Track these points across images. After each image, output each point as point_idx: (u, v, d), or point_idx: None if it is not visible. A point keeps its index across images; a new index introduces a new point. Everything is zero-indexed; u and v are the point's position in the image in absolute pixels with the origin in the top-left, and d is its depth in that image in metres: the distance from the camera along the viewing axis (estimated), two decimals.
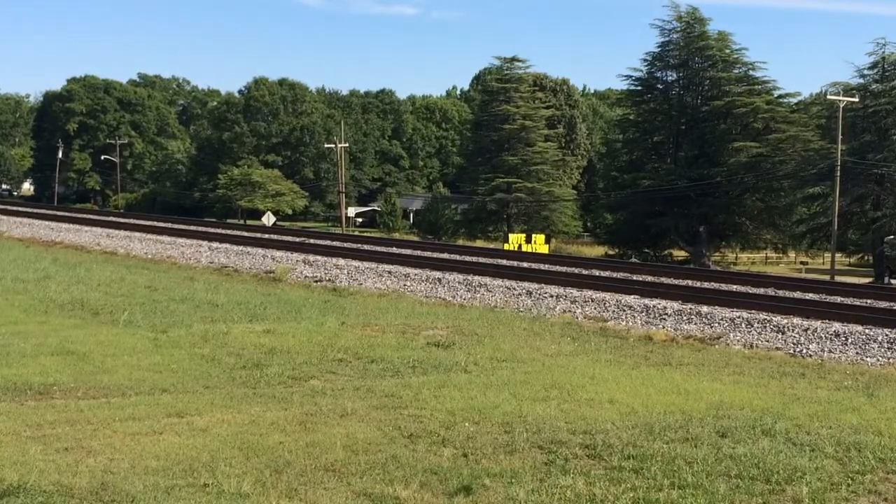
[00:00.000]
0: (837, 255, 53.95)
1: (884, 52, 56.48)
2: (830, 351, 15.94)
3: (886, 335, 16.35)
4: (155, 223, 39.79)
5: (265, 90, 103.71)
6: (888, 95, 55.73)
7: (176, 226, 38.96)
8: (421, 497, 7.68)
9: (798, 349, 16.11)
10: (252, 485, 7.85)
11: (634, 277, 24.66)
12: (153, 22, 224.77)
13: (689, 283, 23.79)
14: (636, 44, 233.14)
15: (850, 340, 16.33)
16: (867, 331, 16.71)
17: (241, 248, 30.33)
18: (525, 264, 27.20)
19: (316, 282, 24.18)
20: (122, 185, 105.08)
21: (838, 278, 43.99)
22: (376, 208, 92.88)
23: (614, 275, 25.26)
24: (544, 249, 50.25)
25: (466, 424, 9.95)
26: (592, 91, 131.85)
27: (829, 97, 56.24)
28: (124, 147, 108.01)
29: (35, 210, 45.19)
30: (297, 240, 34.46)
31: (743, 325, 17.64)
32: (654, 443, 9.29)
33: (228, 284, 23.12)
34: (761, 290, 22.52)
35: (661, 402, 11.25)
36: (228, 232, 37.08)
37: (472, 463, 8.64)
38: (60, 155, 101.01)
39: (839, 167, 48.93)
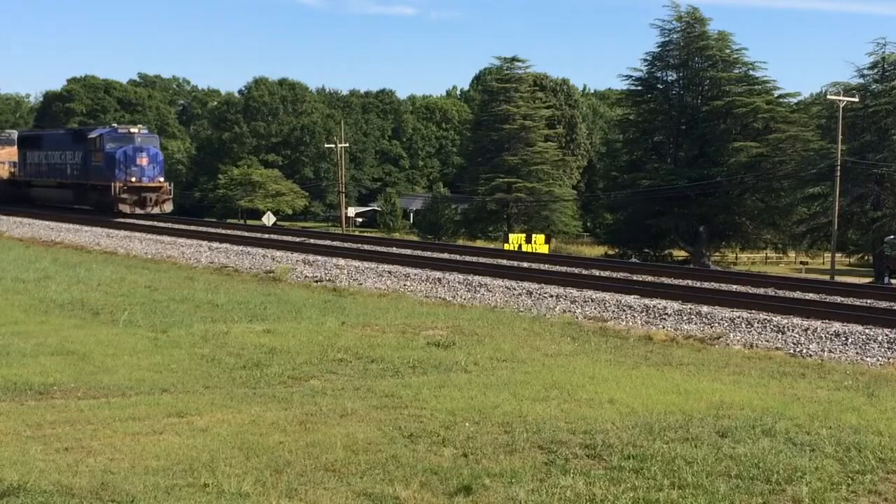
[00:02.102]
0: (837, 255, 53.97)
1: (884, 52, 56.64)
2: (830, 351, 15.93)
3: (886, 335, 16.34)
4: (155, 223, 39.70)
5: (265, 90, 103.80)
6: (888, 95, 55.82)
7: (176, 226, 38.87)
8: (421, 497, 7.69)
9: (798, 349, 16.10)
10: (252, 485, 7.86)
11: (634, 277, 24.64)
12: (153, 22, 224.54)
13: (689, 283, 23.76)
14: (636, 44, 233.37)
15: (850, 340, 16.32)
16: (867, 331, 16.69)
17: (241, 248, 30.30)
18: (525, 264, 27.16)
19: (316, 282, 24.17)
20: None
21: (838, 278, 44.01)
22: (376, 208, 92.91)
23: (614, 275, 25.23)
24: (544, 249, 50.23)
25: (466, 424, 9.95)
26: (592, 91, 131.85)
27: (829, 97, 56.30)
28: None
29: (35, 210, 45.12)
30: (297, 240, 34.42)
31: (743, 325, 17.63)
32: (654, 443, 9.29)
33: (228, 284, 23.11)
34: (761, 290, 22.50)
35: (661, 402, 11.25)
36: (228, 232, 37.04)
37: (472, 463, 8.65)
38: None
39: (839, 167, 48.96)
